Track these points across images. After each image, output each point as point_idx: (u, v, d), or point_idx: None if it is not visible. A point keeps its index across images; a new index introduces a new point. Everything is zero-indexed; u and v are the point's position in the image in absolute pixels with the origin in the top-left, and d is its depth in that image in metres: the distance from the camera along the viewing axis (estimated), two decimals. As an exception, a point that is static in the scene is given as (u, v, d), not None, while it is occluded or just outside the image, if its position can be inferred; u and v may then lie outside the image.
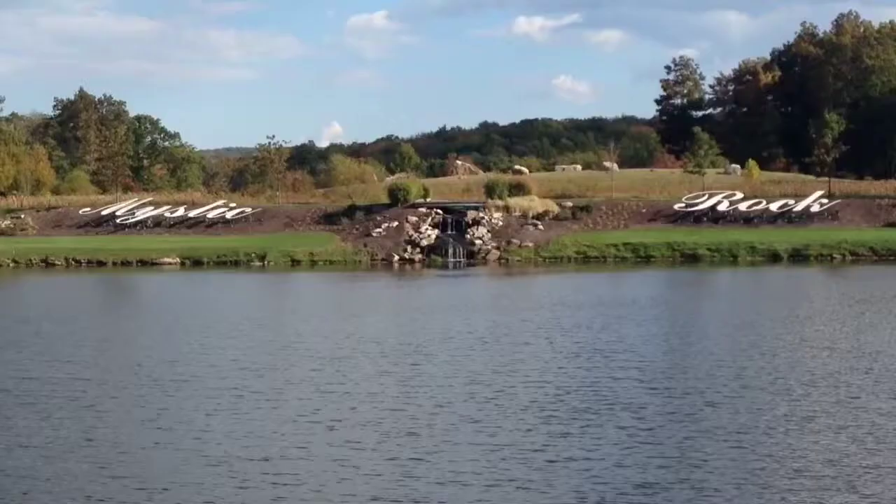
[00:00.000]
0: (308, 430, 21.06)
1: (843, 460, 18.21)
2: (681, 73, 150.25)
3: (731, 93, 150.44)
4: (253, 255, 78.00)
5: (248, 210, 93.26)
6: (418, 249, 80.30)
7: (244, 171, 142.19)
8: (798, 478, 17.19)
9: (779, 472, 17.49)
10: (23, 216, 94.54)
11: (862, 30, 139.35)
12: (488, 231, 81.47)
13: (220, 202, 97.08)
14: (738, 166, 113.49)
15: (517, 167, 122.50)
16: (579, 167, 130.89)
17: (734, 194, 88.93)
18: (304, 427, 21.38)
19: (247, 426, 21.48)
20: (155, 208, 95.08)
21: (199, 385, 26.20)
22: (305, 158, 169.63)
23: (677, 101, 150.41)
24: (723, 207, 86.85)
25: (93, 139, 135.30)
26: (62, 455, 19.41)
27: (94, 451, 19.71)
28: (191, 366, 29.27)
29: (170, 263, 77.28)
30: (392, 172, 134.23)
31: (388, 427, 21.25)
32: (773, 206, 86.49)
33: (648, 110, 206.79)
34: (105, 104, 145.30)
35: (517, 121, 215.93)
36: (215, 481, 17.54)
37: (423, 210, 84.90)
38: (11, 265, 76.83)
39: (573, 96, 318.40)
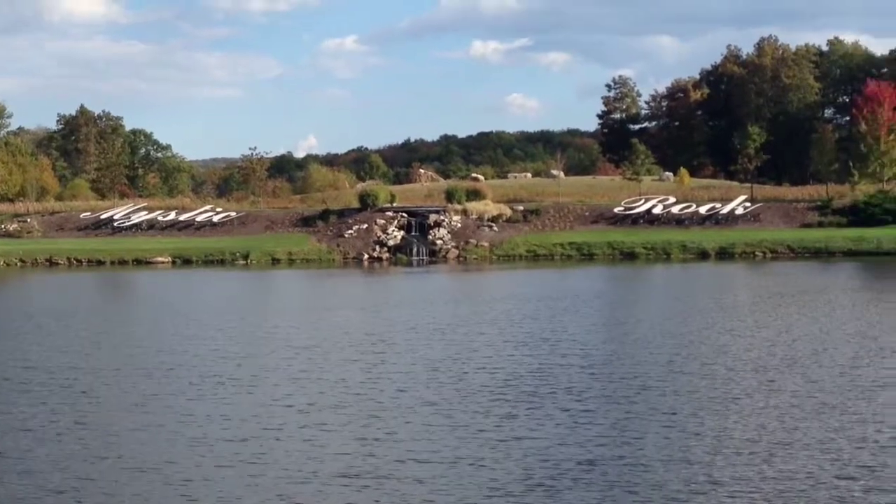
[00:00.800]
0: (282, 414, 20.80)
1: (762, 437, 18.12)
2: (620, 91, 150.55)
3: (664, 108, 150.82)
4: (237, 254, 77.54)
5: (233, 214, 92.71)
6: (386, 249, 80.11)
7: (229, 179, 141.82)
8: (720, 453, 17.09)
9: (704, 449, 17.38)
10: (29, 220, 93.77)
11: (781, 52, 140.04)
12: (448, 232, 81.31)
13: (207, 207, 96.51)
14: (671, 174, 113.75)
15: (474, 175, 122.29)
16: (529, 175, 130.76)
17: (667, 199, 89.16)
18: (278, 410, 21.12)
19: (226, 410, 21.20)
20: (149, 213, 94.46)
21: (184, 373, 25.86)
22: (284, 167, 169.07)
23: (617, 115, 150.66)
24: (657, 210, 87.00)
25: (92, 151, 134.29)
26: (56, 437, 19.09)
27: (86, 433, 19.38)
28: (177, 355, 28.92)
29: (162, 262, 76.70)
30: (362, 180, 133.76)
31: (355, 410, 21.03)
32: (702, 210, 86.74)
33: (591, 124, 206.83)
34: (103, 119, 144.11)
35: (474, 133, 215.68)
36: (196, 461, 17.26)
37: (390, 214, 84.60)
38: (19, 264, 76.03)
39: (524, 111, 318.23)
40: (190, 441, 18.57)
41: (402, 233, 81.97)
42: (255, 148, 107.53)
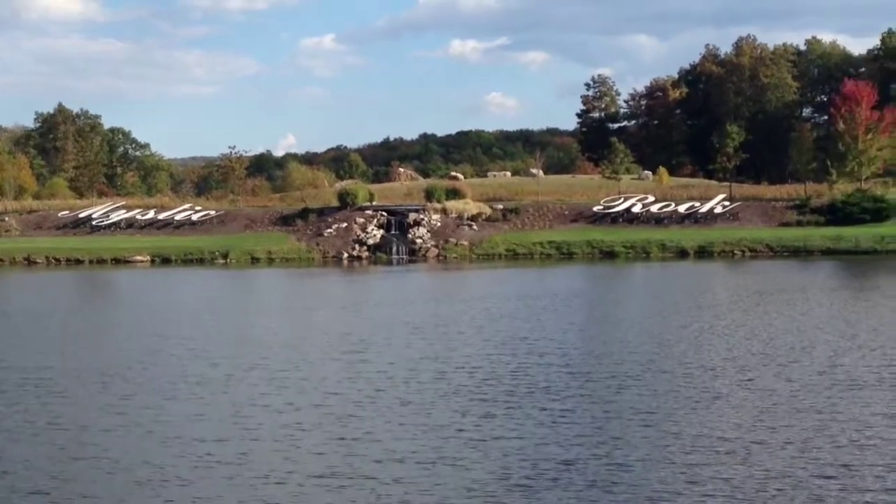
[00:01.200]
0: (260, 413, 20.69)
1: (741, 436, 18.11)
2: (599, 90, 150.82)
3: (643, 107, 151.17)
4: (216, 253, 77.26)
5: (212, 213, 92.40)
6: (365, 248, 79.97)
7: (208, 178, 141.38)
8: (698, 452, 17.08)
9: (682, 449, 17.36)
10: (7, 219, 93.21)
11: (759, 51, 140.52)
12: (428, 231, 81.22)
13: (186, 206, 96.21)
14: (650, 172, 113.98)
15: (453, 174, 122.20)
16: (509, 174, 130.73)
17: (647, 198, 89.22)
18: (255, 410, 21.00)
19: (203, 410, 21.07)
20: (127, 211, 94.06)
21: (161, 372, 25.71)
22: (263, 166, 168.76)
23: (596, 114, 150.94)
24: (636, 209, 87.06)
25: (70, 149, 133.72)
26: (30, 438, 18.94)
27: (60, 434, 19.22)
28: (154, 355, 28.75)
29: (141, 261, 76.35)
30: (341, 178, 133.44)
31: (333, 409, 20.93)
32: (681, 208, 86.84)
33: (570, 123, 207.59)
34: (82, 117, 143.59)
35: (453, 132, 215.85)
36: (173, 461, 17.14)
37: (370, 212, 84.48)
38: (-5, 263, 75.59)
39: (503, 110, 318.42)
40: (167, 441, 18.45)
41: (381, 232, 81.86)
42: (234, 146, 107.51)
